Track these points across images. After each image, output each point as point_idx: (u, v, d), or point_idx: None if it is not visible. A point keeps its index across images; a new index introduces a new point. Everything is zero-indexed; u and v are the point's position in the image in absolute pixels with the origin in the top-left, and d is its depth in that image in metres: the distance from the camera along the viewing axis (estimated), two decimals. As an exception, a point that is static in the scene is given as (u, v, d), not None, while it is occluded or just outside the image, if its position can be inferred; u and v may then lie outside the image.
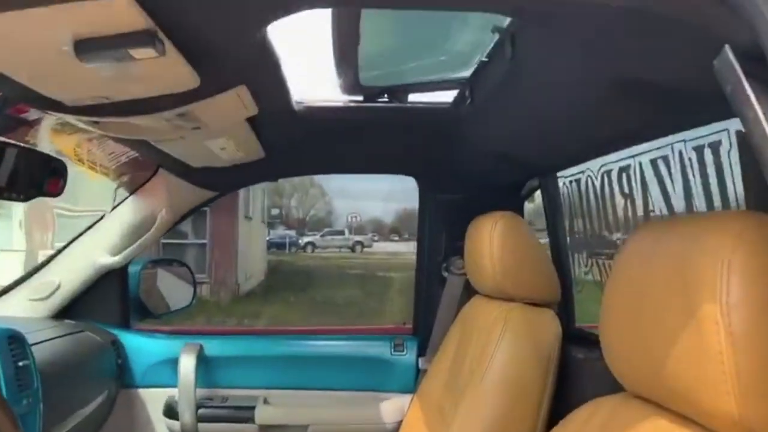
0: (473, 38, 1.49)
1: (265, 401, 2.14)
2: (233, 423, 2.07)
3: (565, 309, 1.73)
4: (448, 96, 1.71)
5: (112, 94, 1.06)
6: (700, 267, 0.66)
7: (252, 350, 2.19)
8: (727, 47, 0.52)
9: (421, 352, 2.14)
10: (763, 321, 0.61)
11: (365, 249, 19.02)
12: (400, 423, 2.08)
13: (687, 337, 0.67)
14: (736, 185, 0.97)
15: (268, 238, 16.71)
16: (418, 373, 2.13)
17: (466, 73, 1.51)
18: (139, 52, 0.80)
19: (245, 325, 8.64)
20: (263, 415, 2.08)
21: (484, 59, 1.36)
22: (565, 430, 0.95)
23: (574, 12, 0.81)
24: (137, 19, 0.76)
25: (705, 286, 0.65)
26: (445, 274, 2.11)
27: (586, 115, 1.21)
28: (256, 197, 13.74)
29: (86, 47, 0.78)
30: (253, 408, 2.08)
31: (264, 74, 1.20)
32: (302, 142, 1.83)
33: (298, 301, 10.88)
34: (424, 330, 2.19)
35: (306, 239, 19.63)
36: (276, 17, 0.95)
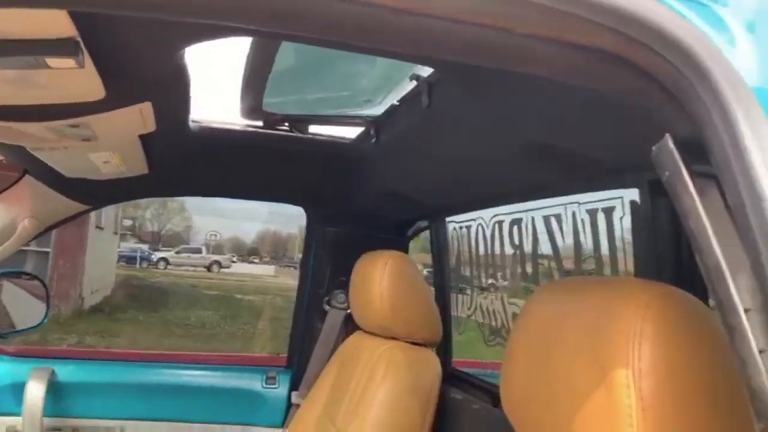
0: (380, 80, 1.52)
1: (122, 433, 1.99)
2: (86, 456, 1.90)
3: (444, 349, 1.78)
4: (349, 131, 1.72)
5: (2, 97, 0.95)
6: (611, 334, 0.71)
7: (111, 377, 2.03)
8: (668, 136, 0.57)
9: (294, 386, 2.10)
10: (671, 386, 0.66)
11: (223, 269, 18.46)
12: (267, 458, 2.02)
13: (597, 398, 0.70)
14: (625, 250, 1.06)
15: (118, 251, 15.73)
16: (289, 408, 2.08)
17: (374, 111, 1.53)
18: (57, 62, 0.73)
19: (87, 345, 8.02)
20: (120, 448, 1.94)
21: (395, 103, 1.39)
22: None
23: (503, 74, 0.84)
24: (63, 26, 0.69)
25: (618, 352, 0.69)
26: (327, 307, 2.09)
27: (488, 169, 1.27)
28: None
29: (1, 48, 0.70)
30: (110, 441, 1.93)
31: (173, 93, 1.15)
32: (192, 162, 1.75)
33: (149, 321, 10.29)
34: (298, 363, 2.15)
35: (160, 254, 18.69)
36: (198, 41, 0.92)
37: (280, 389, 2.12)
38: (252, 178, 1.86)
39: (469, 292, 1.71)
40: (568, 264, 1.23)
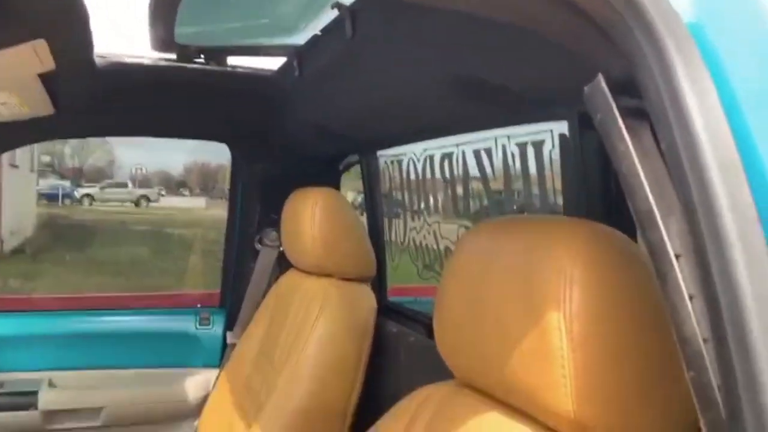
0: (301, 7, 1.43)
1: (50, 384, 1.93)
2: (12, 411, 1.84)
3: (379, 284, 1.78)
4: (270, 62, 1.63)
5: None
6: (543, 277, 0.70)
7: (35, 328, 1.95)
8: (600, 76, 0.54)
9: (229, 326, 2.07)
10: (601, 329, 0.66)
11: (151, 203, 17.94)
12: (205, 398, 2.01)
13: (530, 340, 0.70)
14: (554, 185, 1.05)
15: (37, 189, 15.00)
16: (225, 347, 2.06)
17: (296, 41, 1.45)
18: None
19: (11, 289, 7.72)
20: (48, 399, 1.88)
21: (318, 33, 1.31)
22: (396, 420, 0.96)
23: (429, 7, 0.80)
24: None
25: (549, 296, 0.69)
26: (258, 246, 2.05)
27: (417, 102, 1.22)
28: (23, 143, 12.17)
29: None
30: (35, 393, 1.87)
31: (67, 30, 1.04)
32: (101, 100, 1.63)
33: (76, 260, 9.95)
34: (232, 302, 2.11)
35: (83, 191, 17.96)
36: None
37: (215, 329, 2.10)
38: (167, 115, 1.75)
39: (402, 228, 1.70)
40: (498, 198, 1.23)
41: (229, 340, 2.04)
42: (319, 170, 2.00)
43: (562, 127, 0.99)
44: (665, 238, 0.49)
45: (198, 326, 2.09)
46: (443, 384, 0.94)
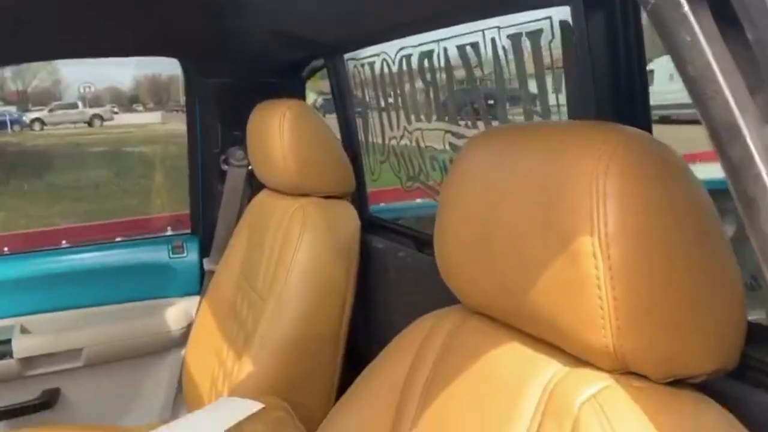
0: None
1: (23, 330, 1.84)
2: (-16, 363, 1.75)
3: (359, 198, 1.68)
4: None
5: None
6: (569, 193, 0.60)
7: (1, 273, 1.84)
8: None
9: (205, 253, 1.98)
10: (642, 252, 0.57)
11: (105, 122, 17.32)
12: (188, 327, 1.95)
13: (557, 268, 0.62)
14: (555, 79, 0.94)
15: (-18, 117, 14.33)
16: (203, 275, 1.98)
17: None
18: None
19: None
20: (22, 346, 1.79)
21: None
22: (401, 351, 0.89)
23: None
24: None
25: (578, 215, 0.59)
26: (225, 167, 1.91)
27: None
28: (-42, 69, 11.45)
29: None
30: (8, 341, 1.77)
31: None
32: (27, 20, 1.43)
33: (35, 189, 9.61)
34: (205, 228, 2.01)
35: (32, 115, 17.21)
36: None
37: (189, 257, 2.01)
38: (105, 31, 1.56)
39: (380, 138, 1.58)
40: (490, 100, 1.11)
41: (206, 267, 1.95)
42: (280, 79, 1.84)
43: (562, 12, 0.86)
44: (754, 153, 0.39)
45: (172, 255, 1.99)
46: (449, 311, 0.87)
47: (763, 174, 0.38)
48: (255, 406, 1.31)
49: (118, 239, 2.08)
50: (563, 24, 0.88)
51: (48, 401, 1.82)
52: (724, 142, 0.40)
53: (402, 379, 0.87)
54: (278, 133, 1.50)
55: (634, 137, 0.60)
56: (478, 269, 0.74)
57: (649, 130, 0.83)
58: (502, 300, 0.71)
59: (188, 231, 2.07)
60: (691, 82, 0.42)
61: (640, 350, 0.59)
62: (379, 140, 1.55)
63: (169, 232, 2.13)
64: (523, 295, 0.67)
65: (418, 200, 1.92)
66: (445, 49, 1.17)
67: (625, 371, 0.62)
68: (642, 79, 0.84)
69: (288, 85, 1.84)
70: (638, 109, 0.84)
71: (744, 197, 0.39)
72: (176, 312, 1.97)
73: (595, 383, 0.61)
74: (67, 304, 1.88)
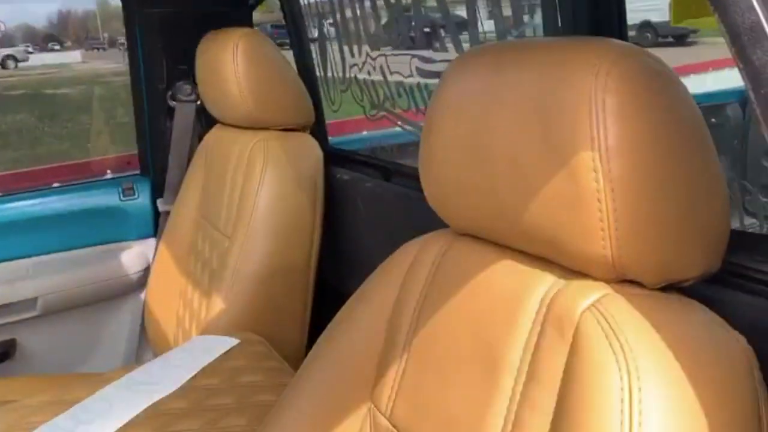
0: None
1: (-28, 281, 1.77)
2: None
3: (319, 130, 1.65)
4: None
5: None
6: (566, 108, 0.61)
7: None
8: None
9: (158, 194, 1.92)
10: (642, 165, 0.59)
11: (21, 64, 16.30)
12: (146, 270, 1.91)
13: (556, 184, 0.63)
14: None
15: None
16: (158, 216, 1.92)
17: None
18: None
19: None
20: (-27, 297, 1.73)
21: None
22: (389, 275, 0.89)
23: None
24: None
25: (576, 130, 0.60)
26: (172, 103, 1.84)
27: None
28: None
29: None
30: (-42, 294, 1.71)
31: None
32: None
33: (-46, 139, 9.03)
34: (155, 169, 1.94)
35: (-61, 58, 16.02)
36: None
37: (141, 199, 1.94)
38: None
39: (340, 67, 1.53)
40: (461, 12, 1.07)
41: (161, 208, 1.90)
42: (227, 8, 1.76)
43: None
44: (779, 58, 0.40)
45: (122, 198, 1.92)
46: (435, 235, 0.87)
47: (787, 76, 0.39)
48: (231, 342, 1.31)
49: (65, 184, 1.98)
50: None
51: (6, 352, 1.77)
52: (747, 46, 0.41)
53: (390, 305, 0.87)
54: (232, 64, 1.45)
55: (628, 51, 0.61)
56: (471, 190, 0.74)
57: (625, 38, 0.84)
58: (497, 219, 0.72)
59: (137, 172, 2.00)
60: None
61: (638, 258, 0.61)
62: (339, 69, 1.51)
63: (110, 175, 2.06)
64: (520, 213, 0.68)
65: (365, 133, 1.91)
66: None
67: (620, 279, 0.64)
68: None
69: (235, 13, 1.76)
70: (615, 21, 0.84)
71: (765, 102, 0.41)
72: (132, 255, 1.92)
73: (593, 292, 0.63)
74: (18, 253, 1.80)
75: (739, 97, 2.66)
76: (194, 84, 1.79)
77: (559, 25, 0.88)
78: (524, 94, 0.66)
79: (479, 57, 0.74)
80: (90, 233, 1.89)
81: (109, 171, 2.17)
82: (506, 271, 0.73)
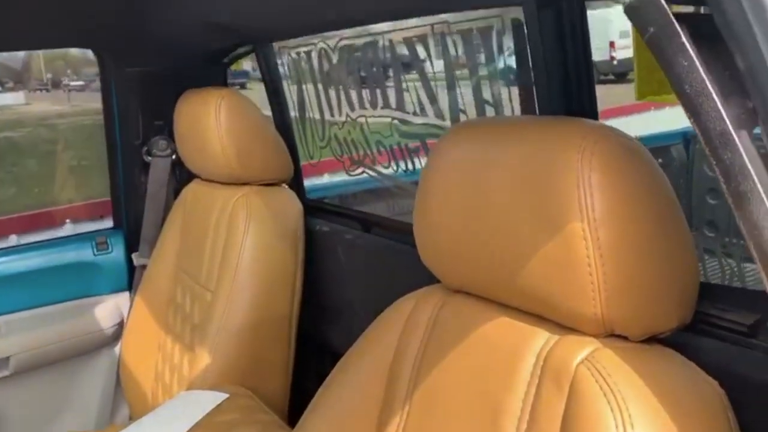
0: None
1: (-59, 341, 1.74)
2: None
3: (297, 182, 1.71)
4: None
5: None
6: (558, 184, 0.69)
7: None
8: (652, -15, 0.50)
9: (133, 247, 1.93)
10: (626, 232, 0.67)
11: (-42, 106, 15.77)
12: (120, 324, 1.91)
13: (550, 250, 0.70)
14: (507, 74, 1.01)
15: None
16: (133, 270, 1.93)
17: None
18: None
19: None
20: (-58, 356, 1.70)
21: None
22: (386, 331, 0.94)
23: None
24: None
25: (567, 204, 0.68)
26: (148, 158, 1.87)
27: None
28: None
29: None
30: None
31: None
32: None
33: None
34: (129, 222, 1.95)
35: None
36: None
37: (115, 253, 1.95)
38: (15, 22, 1.47)
39: (319, 127, 1.60)
40: (442, 94, 1.16)
41: (136, 262, 1.91)
42: (202, 66, 1.82)
43: (515, 11, 0.94)
44: (745, 159, 0.48)
45: (96, 252, 1.92)
46: (428, 291, 0.93)
47: (752, 173, 0.48)
48: (220, 396, 1.34)
49: (37, 242, 1.97)
50: (515, 21, 0.96)
51: (-23, 415, 1.74)
52: (718, 148, 0.49)
53: (388, 362, 0.92)
54: (215, 123, 1.50)
55: (606, 132, 0.70)
56: (466, 252, 0.81)
57: (596, 117, 0.94)
58: (492, 279, 0.79)
59: (111, 226, 2.01)
60: (687, 99, 0.50)
61: (624, 316, 0.69)
62: (319, 128, 1.58)
63: (87, 229, 2.06)
64: (515, 275, 0.75)
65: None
66: (391, 42, 1.22)
67: (608, 334, 0.72)
68: (588, 72, 0.94)
69: (210, 71, 1.82)
70: (586, 99, 0.94)
71: (736, 193, 0.49)
72: (106, 310, 1.92)
73: (586, 347, 0.71)
74: None
75: (682, 138, 2.84)
76: (170, 139, 1.83)
77: (536, 105, 0.97)
78: (516, 168, 0.74)
79: (472, 129, 0.83)
80: (63, 289, 1.88)
81: (68, 220, 2.17)
82: (503, 327, 0.80)
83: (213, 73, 1.83)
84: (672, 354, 0.72)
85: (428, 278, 0.92)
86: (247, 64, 3.73)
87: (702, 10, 0.50)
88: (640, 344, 0.72)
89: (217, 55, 1.80)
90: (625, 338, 0.72)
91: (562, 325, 0.75)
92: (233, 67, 1.97)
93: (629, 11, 0.52)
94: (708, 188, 2.60)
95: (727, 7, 0.46)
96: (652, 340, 0.73)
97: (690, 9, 0.51)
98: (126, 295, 1.94)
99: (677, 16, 0.50)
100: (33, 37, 1.60)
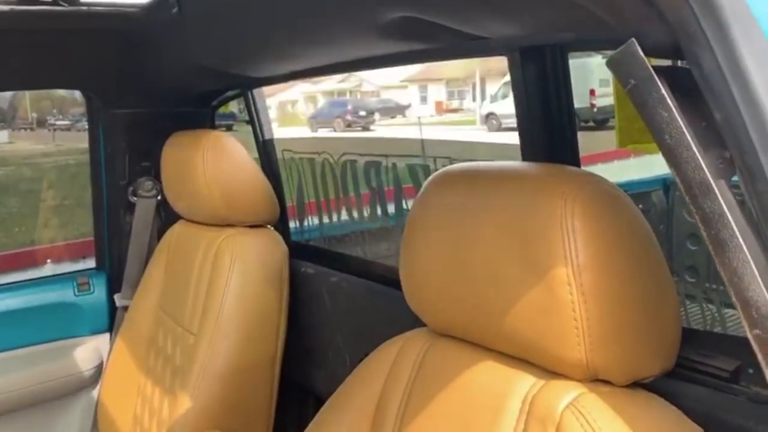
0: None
1: None
2: None
3: (282, 224, 1.71)
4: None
5: None
6: (541, 231, 0.70)
7: None
8: (633, 41, 0.52)
9: (115, 288, 1.91)
10: (609, 278, 0.68)
11: (-57, 144, 15.69)
12: (99, 366, 1.88)
13: (535, 295, 0.71)
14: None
15: None
16: (115, 312, 1.91)
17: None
18: None
19: None
20: None
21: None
22: (370, 375, 0.94)
23: None
24: None
25: (551, 250, 0.69)
26: (133, 199, 1.87)
27: (330, 36, 1.13)
28: None
29: None
30: None
31: None
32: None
33: None
34: (112, 263, 1.94)
35: None
36: None
37: (97, 293, 1.93)
38: (12, 64, 1.49)
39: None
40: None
41: (119, 303, 1.88)
42: (191, 109, 1.83)
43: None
44: (724, 207, 0.50)
45: (77, 293, 1.90)
46: (414, 335, 0.94)
47: (731, 221, 0.49)
48: (202, 441, 1.31)
49: (17, 281, 1.95)
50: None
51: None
52: (698, 197, 0.51)
53: (373, 405, 0.92)
54: (201, 165, 1.51)
55: (589, 179, 0.72)
56: (452, 296, 0.82)
57: (578, 164, 0.96)
58: (478, 323, 0.80)
59: (93, 266, 1.99)
60: (667, 149, 0.52)
61: (608, 361, 0.70)
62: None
63: (69, 269, 2.04)
64: (500, 319, 0.75)
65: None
66: (394, 164, 1.24)
67: (593, 379, 0.72)
68: (571, 120, 0.97)
69: (197, 114, 1.83)
70: (568, 146, 0.96)
71: (716, 240, 0.50)
72: (85, 351, 1.89)
73: (571, 391, 0.71)
74: None
75: (662, 184, 2.89)
76: (156, 180, 1.83)
77: (520, 151, 0.99)
78: (500, 214, 0.75)
79: (456, 176, 0.84)
80: (41, 330, 1.85)
81: (48, 260, 2.15)
82: (488, 371, 0.80)
83: (201, 115, 1.85)
84: (656, 399, 0.73)
85: (413, 321, 0.92)
86: (234, 106, 3.76)
87: (680, 63, 0.52)
88: (624, 389, 0.72)
89: (206, 98, 1.82)
90: (609, 383, 0.72)
91: (547, 370, 0.75)
92: (221, 109, 1.99)
93: (611, 64, 0.55)
94: (688, 233, 2.64)
95: (704, 62, 0.48)
96: (636, 385, 0.74)
97: (669, 63, 0.53)
98: (106, 336, 1.91)
99: (657, 69, 0.52)
100: (24, 77, 1.61)
